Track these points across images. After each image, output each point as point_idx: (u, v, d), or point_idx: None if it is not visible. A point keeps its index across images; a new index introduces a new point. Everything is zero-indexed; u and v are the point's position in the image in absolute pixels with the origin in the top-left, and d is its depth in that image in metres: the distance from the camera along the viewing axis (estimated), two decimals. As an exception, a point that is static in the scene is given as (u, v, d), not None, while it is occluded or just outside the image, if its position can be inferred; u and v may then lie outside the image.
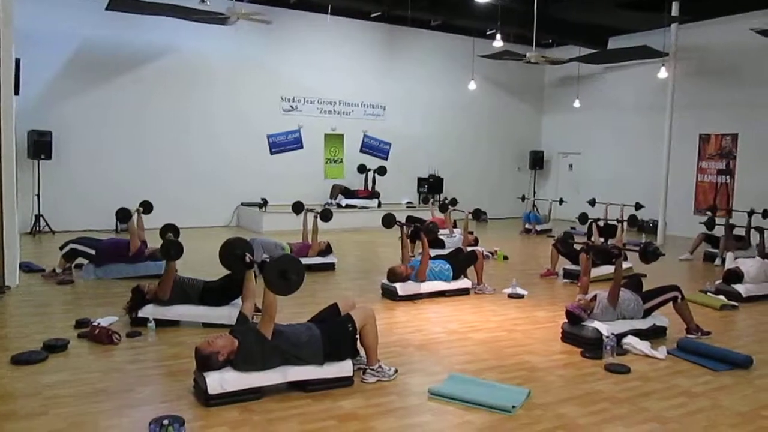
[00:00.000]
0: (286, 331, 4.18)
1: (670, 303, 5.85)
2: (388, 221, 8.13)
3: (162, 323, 5.60)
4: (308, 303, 6.22)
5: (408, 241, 7.59)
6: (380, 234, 10.48)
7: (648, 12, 12.16)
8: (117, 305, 6.09)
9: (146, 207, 8.39)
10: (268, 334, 4.03)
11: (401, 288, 7.02)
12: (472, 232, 10.60)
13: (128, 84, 12.35)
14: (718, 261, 10.04)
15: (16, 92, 7.33)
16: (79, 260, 7.78)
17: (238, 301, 5.76)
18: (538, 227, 13.78)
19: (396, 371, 4.54)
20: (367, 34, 14.91)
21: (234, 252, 5.03)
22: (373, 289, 7.51)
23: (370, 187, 14.59)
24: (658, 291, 5.90)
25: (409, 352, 5.19)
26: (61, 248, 7.73)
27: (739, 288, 7.42)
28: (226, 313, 5.69)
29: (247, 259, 4.90)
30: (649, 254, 5.51)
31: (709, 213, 10.97)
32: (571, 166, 17.25)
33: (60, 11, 11.48)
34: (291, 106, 14.20)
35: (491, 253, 10.18)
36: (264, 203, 13.02)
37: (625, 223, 9.39)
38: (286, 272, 3.95)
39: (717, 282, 7.75)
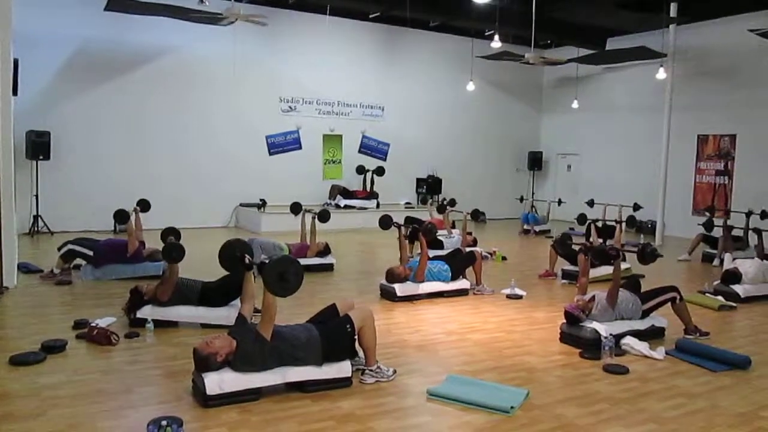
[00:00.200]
0: (285, 332, 4.18)
1: (669, 304, 5.86)
2: (385, 222, 8.13)
3: (160, 324, 5.59)
4: (307, 304, 6.22)
5: (406, 242, 7.60)
6: (379, 235, 10.47)
7: (646, 13, 12.19)
8: (115, 306, 6.09)
9: (143, 205, 8.38)
10: (267, 335, 4.03)
11: (400, 289, 7.02)
12: (470, 233, 10.60)
13: (127, 85, 12.34)
14: (716, 262, 10.05)
15: (15, 93, 7.33)
16: (78, 261, 7.78)
17: (237, 302, 5.75)
18: (537, 228, 13.79)
19: (395, 372, 4.54)
20: (365, 35, 14.91)
21: (233, 253, 5.02)
22: (371, 289, 7.51)
23: (368, 188, 14.58)
24: (657, 292, 5.91)
25: (407, 353, 5.18)
26: (60, 249, 7.72)
27: (738, 289, 7.43)
28: (225, 314, 5.69)
29: (247, 261, 4.90)
30: (647, 255, 5.52)
31: (707, 214, 10.98)
32: (569, 166, 17.27)
33: (58, 12, 11.47)
34: (289, 107, 14.19)
35: (490, 254, 10.18)
36: (262, 204, 13.01)
37: (623, 224, 9.39)
38: (284, 274, 3.95)
39: (715, 283, 7.76)
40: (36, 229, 11.22)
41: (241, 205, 13.53)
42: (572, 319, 5.46)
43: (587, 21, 13.49)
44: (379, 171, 14.65)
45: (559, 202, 14.49)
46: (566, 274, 8.46)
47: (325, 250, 8.75)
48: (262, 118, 13.76)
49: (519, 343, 5.57)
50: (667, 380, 4.69)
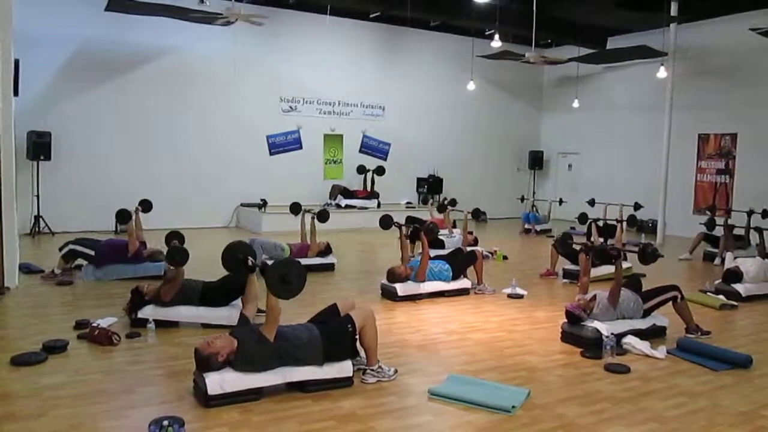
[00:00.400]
0: (287, 332, 4.18)
1: (670, 303, 5.86)
2: (386, 222, 8.13)
3: (161, 324, 5.59)
4: (308, 303, 6.21)
5: (407, 241, 7.60)
6: (380, 234, 10.47)
7: (647, 12, 12.18)
8: (116, 306, 6.10)
9: (145, 206, 8.38)
10: (270, 336, 4.03)
11: (401, 288, 7.02)
12: (471, 232, 10.59)
13: (127, 85, 12.35)
14: (717, 260, 10.05)
15: (15, 93, 7.33)
16: (79, 261, 7.78)
17: (238, 302, 5.77)
18: (538, 227, 13.79)
19: (396, 372, 4.54)
20: (366, 35, 14.91)
21: (236, 255, 5.03)
22: (372, 289, 7.51)
23: (369, 188, 14.58)
24: (658, 291, 5.90)
25: (408, 353, 5.18)
26: (61, 249, 7.73)
27: (739, 287, 7.42)
28: (226, 314, 5.69)
29: (249, 263, 4.90)
30: (648, 255, 5.51)
31: (708, 213, 10.98)
32: (570, 166, 17.26)
33: (59, 12, 11.48)
34: (290, 107, 14.20)
35: (491, 253, 10.18)
36: (263, 204, 13.01)
37: (624, 223, 9.39)
38: (287, 276, 3.95)
39: (716, 281, 7.75)
40: (37, 229, 11.23)
41: (241, 205, 13.53)
42: (573, 318, 5.46)
43: (587, 20, 13.48)
44: (380, 171, 14.65)
45: (560, 201, 14.49)
46: (567, 274, 8.46)
47: (326, 250, 8.75)
48: (262, 118, 13.76)
49: (520, 343, 5.56)
50: (669, 379, 4.69)
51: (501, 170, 17.28)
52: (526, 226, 13.87)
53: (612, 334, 5.22)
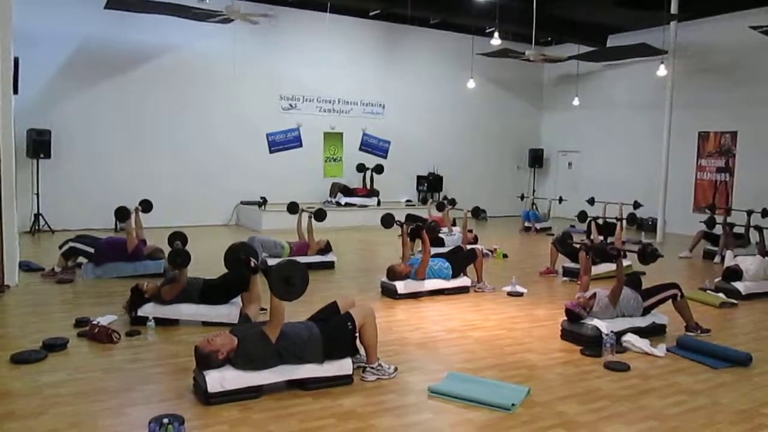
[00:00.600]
0: (287, 330, 4.17)
1: (670, 301, 5.86)
2: (388, 221, 8.13)
3: (161, 322, 5.60)
4: (308, 302, 6.18)
5: (408, 239, 7.61)
6: (379, 232, 10.46)
7: (647, 10, 12.16)
8: (116, 304, 6.10)
9: (146, 206, 8.38)
10: (273, 337, 4.03)
11: (401, 286, 7.02)
12: (471, 230, 10.59)
13: (127, 83, 12.34)
14: (717, 259, 10.06)
15: (15, 91, 7.32)
16: (80, 259, 7.78)
17: (238, 300, 5.78)
18: (538, 225, 13.78)
19: (396, 369, 4.54)
20: (366, 33, 14.90)
21: (238, 257, 5.03)
22: (372, 287, 7.51)
23: (368, 186, 14.57)
24: (658, 289, 5.91)
25: (408, 351, 5.19)
26: (61, 247, 7.73)
27: (739, 285, 7.43)
28: (226, 312, 5.69)
29: (252, 264, 4.90)
30: (648, 256, 5.52)
31: (708, 211, 10.98)
32: (570, 164, 17.26)
33: (59, 10, 11.46)
34: (290, 105, 14.19)
35: (491, 252, 10.18)
36: (263, 202, 13.01)
37: (624, 222, 9.39)
38: (290, 278, 3.94)
39: (716, 279, 7.76)
40: (37, 227, 11.23)
41: (241, 203, 13.53)
42: (573, 316, 5.46)
43: (588, 18, 13.47)
44: (378, 169, 14.65)
45: (560, 200, 14.49)
46: (567, 272, 8.46)
47: (326, 248, 8.75)
48: (262, 116, 13.76)
49: (520, 341, 5.57)
50: (668, 377, 4.69)
51: (501, 168, 17.28)
52: (526, 224, 13.87)
53: (612, 332, 5.22)
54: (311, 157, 14.43)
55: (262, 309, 5.69)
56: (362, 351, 4.52)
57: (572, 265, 8.36)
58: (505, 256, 10.19)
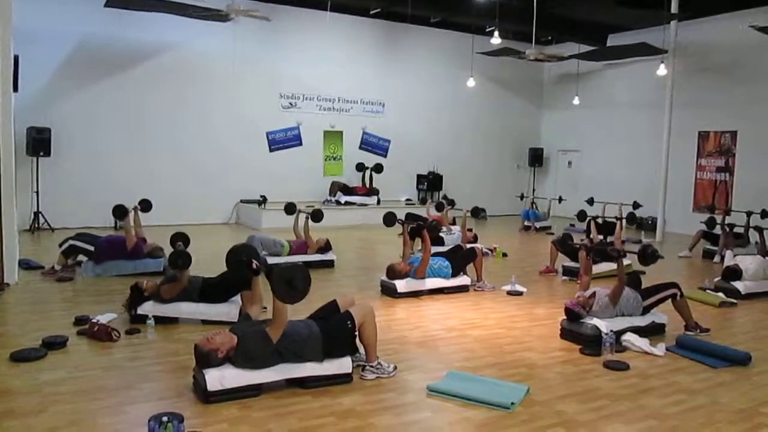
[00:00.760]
0: (288, 330, 4.16)
1: (669, 300, 5.86)
2: (389, 220, 8.14)
3: (161, 320, 5.60)
4: (307, 300, 6.17)
5: (408, 238, 7.61)
6: (379, 231, 10.46)
7: (647, 9, 12.16)
8: (116, 302, 6.10)
9: (145, 205, 8.37)
10: (275, 338, 4.03)
11: (400, 285, 7.02)
12: (471, 229, 10.59)
13: (127, 81, 12.34)
14: (717, 258, 10.05)
15: (15, 89, 7.32)
16: (80, 257, 7.78)
17: (237, 298, 5.78)
18: (537, 224, 13.78)
19: (395, 368, 4.55)
20: (366, 31, 14.89)
21: (240, 258, 5.04)
22: (372, 286, 7.52)
23: (368, 185, 14.57)
24: (657, 288, 5.91)
25: (408, 349, 5.19)
26: (61, 245, 7.73)
27: (738, 285, 7.43)
28: (225, 311, 5.70)
29: (254, 266, 4.91)
30: (648, 257, 5.52)
31: (707, 210, 10.99)
32: (570, 163, 17.26)
33: (59, 8, 11.46)
34: (290, 103, 14.18)
35: (490, 250, 10.18)
36: (263, 200, 13.01)
37: (623, 221, 9.40)
38: (293, 281, 3.94)
39: (716, 279, 7.76)
40: (37, 225, 11.23)
41: (241, 201, 13.53)
42: (573, 315, 5.46)
43: (588, 17, 13.46)
44: (378, 168, 14.64)
45: (560, 199, 14.51)
46: (567, 271, 8.46)
47: (326, 247, 8.75)
48: (262, 115, 13.76)
49: (519, 340, 5.57)
50: (668, 377, 4.69)
51: (501, 167, 17.27)
52: (526, 223, 13.87)
53: (611, 331, 5.22)
54: (311, 155, 14.43)
55: (263, 307, 5.68)
56: (362, 350, 4.52)
57: (572, 264, 8.36)
58: (504, 255, 10.19)
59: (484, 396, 4.07)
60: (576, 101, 15.56)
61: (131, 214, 7.98)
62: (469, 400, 4.05)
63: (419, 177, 15.83)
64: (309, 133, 14.35)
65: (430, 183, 15.58)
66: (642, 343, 5.28)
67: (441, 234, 9.71)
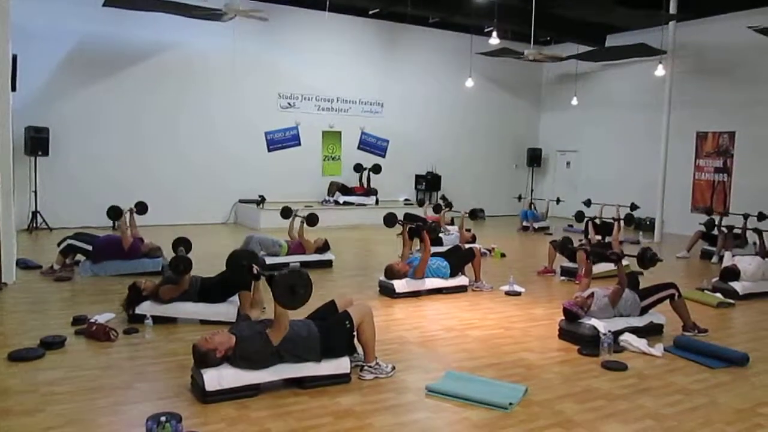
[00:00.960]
0: (289, 334, 4.15)
1: (667, 300, 5.87)
2: (390, 220, 8.14)
3: (159, 320, 5.60)
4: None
5: (408, 238, 7.63)
6: (377, 231, 10.46)
7: (646, 10, 12.16)
8: (114, 302, 6.08)
9: (141, 208, 8.36)
10: (275, 341, 4.02)
11: (399, 285, 7.02)
12: (469, 230, 10.61)
13: (125, 80, 12.33)
14: (715, 258, 10.07)
15: (13, 88, 7.31)
16: (78, 257, 7.77)
17: (235, 298, 5.77)
18: (536, 224, 13.79)
19: (393, 368, 4.55)
20: (365, 31, 14.89)
21: (241, 263, 5.04)
22: (370, 286, 7.51)
23: (365, 185, 14.57)
24: (655, 289, 5.92)
25: (406, 350, 5.19)
26: (59, 245, 7.72)
27: (736, 285, 7.43)
28: (224, 310, 5.70)
29: (255, 271, 4.91)
30: (647, 260, 5.53)
31: (705, 213, 11.00)
32: (568, 163, 17.27)
33: (57, 7, 11.45)
34: (289, 103, 14.18)
35: (489, 251, 10.18)
36: (261, 200, 13.00)
37: (621, 222, 9.41)
38: (295, 287, 3.94)
39: (714, 279, 7.77)
40: (35, 225, 11.22)
41: (240, 201, 13.52)
42: (571, 315, 5.47)
43: (587, 18, 13.46)
44: (376, 169, 14.64)
45: (558, 201, 14.52)
46: (565, 271, 8.47)
47: (324, 247, 8.75)
48: (261, 115, 13.75)
49: (518, 340, 5.57)
50: (666, 377, 4.70)
51: (499, 167, 17.28)
52: (524, 223, 13.88)
53: (609, 331, 5.23)
54: (310, 155, 14.43)
55: (263, 308, 5.68)
56: (360, 350, 4.52)
57: (570, 264, 8.37)
58: (503, 255, 10.19)
59: (483, 396, 4.07)
60: (574, 102, 15.57)
61: (125, 216, 7.96)
62: (467, 401, 4.06)
63: (418, 177, 15.84)
64: (307, 133, 14.35)
65: (428, 183, 15.58)
66: (640, 343, 5.29)
67: (440, 234, 9.72)
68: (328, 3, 12.95)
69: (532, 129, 17.95)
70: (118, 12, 11.05)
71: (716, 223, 10.25)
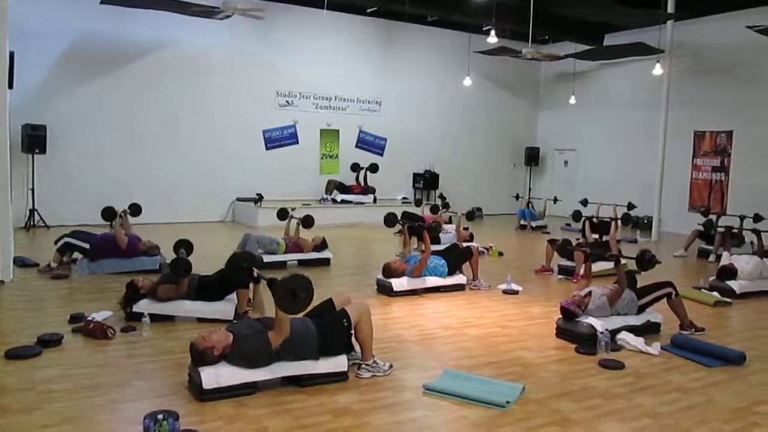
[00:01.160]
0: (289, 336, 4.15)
1: (664, 299, 5.88)
2: (390, 220, 8.14)
3: (156, 318, 5.59)
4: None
5: (408, 238, 7.64)
6: (375, 230, 10.46)
7: (644, 8, 12.17)
8: (111, 300, 6.07)
9: (134, 210, 8.35)
10: (275, 343, 4.02)
11: (396, 283, 7.02)
12: (467, 228, 10.61)
13: (123, 78, 12.31)
14: (712, 257, 10.09)
15: (10, 86, 7.30)
16: (76, 255, 7.75)
17: (233, 296, 5.77)
18: (534, 223, 13.81)
19: (391, 366, 4.55)
20: (363, 30, 14.88)
21: (240, 266, 5.04)
22: (368, 284, 7.52)
23: (362, 184, 14.56)
24: (653, 287, 5.93)
25: (404, 348, 5.19)
26: (56, 242, 7.70)
27: (733, 284, 7.45)
28: (221, 309, 5.69)
29: (255, 274, 4.91)
30: (646, 262, 5.54)
31: (702, 209, 11.02)
32: (566, 162, 17.29)
33: (54, 4, 11.43)
34: (286, 102, 14.17)
35: (486, 249, 10.19)
36: (259, 198, 13.00)
37: (618, 221, 9.42)
38: (296, 291, 3.93)
39: (711, 278, 7.78)
40: (32, 223, 11.20)
41: (237, 199, 13.51)
42: (568, 314, 5.47)
43: (585, 16, 13.47)
44: (373, 168, 14.64)
45: (555, 200, 14.55)
46: (562, 270, 8.48)
47: (322, 245, 8.75)
48: (258, 113, 13.75)
49: (515, 338, 5.58)
50: (663, 375, 4.70)
51: (497, 166, 17.28)
52: (522, 222, 13.89)
53: (606, 330, 5.24)
54: (307, 153, 14.42)
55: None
56: (357, 348, 4.52)
57: (568, 263, 8.38)
58: (500, 253, 10.20)
59: (480, 394, 4.07)
60: (572, 100, 15.58)
61: (117, 219, 7.92)
62: (464, 399, 4.06)
63: (415, 175, 15.84)
64: (305, 132, 14.34)
65: (426, 182, 15.58)
66: (637, 342, 5.30)
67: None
68: (326, 1, 12.96)
69: (530, 128, 17.96)
70: (116, 9, 11.03)
71: (713, 222, 10.26)
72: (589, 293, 5.63)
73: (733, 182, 13.15)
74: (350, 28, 14.64)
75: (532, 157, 17.29)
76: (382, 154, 15.32)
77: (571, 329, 5.47)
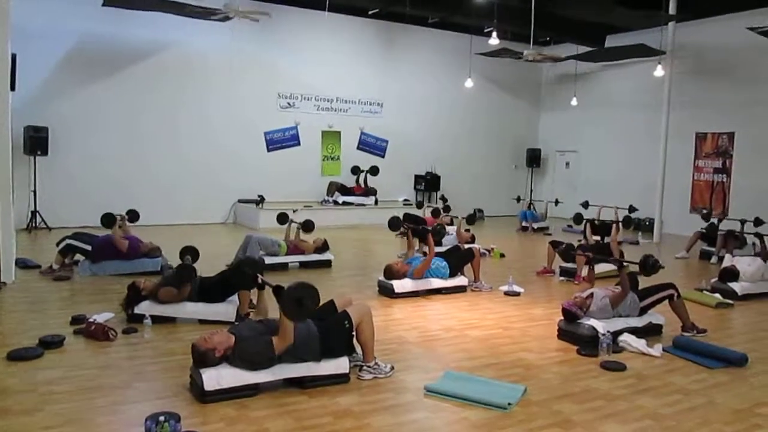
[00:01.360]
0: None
1: (666, 301, 5.87)
2: (395, 224, 8.15)
3: (158, 320, 5.60)
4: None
5: (412, 241, 7.66)
6: (376, 231, 10.45)
7: (645, 10, 12.17)
8: (113, 301, 6.08)
9: (132, 215, 8.36)
10: (278, 349, 4.02)
11: (398, 285, 7.02)
12: (468, 230, 10.61)
13: (124, 80, 12.32)
14: (714, 259, 10.08)
15: (12, 88, 7.30)
16: (78, 256, 7.76)
17: (234, 298, 5.78)
18: (535, 225, 13.80)
19: (392, 368, 4.55)
20: (364, 31, 14.89)
21: (245, 271, 5.05)
22: (369, 286, 7.52)
23: (363, 186, 14.56)
24: (655, 289, 5.92)
25: (405, 350, 5.19)
26: (58, 244, 7.71)
27: (735, 286, 7.44)
28: (222, 310, 5.70)
29: (260, 281, 4.92)
30: (649, 268, 5.54)
31: (704, 212, 11.00)
32: (567, 164, 17.27)
33: (56, 7, 11.45)
34: (288, 103, 14.18)
35: (488, 251, 10.19)
36: (261, 200, 13.00)
37: (620, 224, 9.42)
38: (302, 299, 3.93)
39: (713, 280, 7.77)
40: (34, 224, 11.21)
41: (239, 201, 13.52)
42: (570, 316, 5.47)
43: (586, 18, 13.47)
44: (374, 171, 14.63)
45: (556, 202, 14.54)
46: (564, 272, 8.48)
47: (323, 247, 8.76)
48: (260, 114, 13.75)
49: (517, 340, 5.57)
50: (664, 377, 4.70)
51: (498, 168, 17.27)
52: (524, 223, 13.88)
53: (608, 331, 5.23)
54: (309, 155, 14.43)
55: (251, 307, 5.70)
56: (359, 350, 4.52)
57: (569, 265, 8.38)
58: (502, 255, 10.20)
59: (482, 396, 4.07)
60: (574, 102, 15.56)
61: (115, 227, 7.91)
62: (466, 401, 4.06)
63: (417, 177, 15.83)
64: (307, 133, 14.34)
65: (427, 183, 15.57)
66: (639, 343, 5.29)
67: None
68: (327, 3, 12.97)
69: (532, 129, 17.95)
70: (117, 11, 11.05)
71: (716, 226, 10.25)
72: (591, 295, 5.62)
73: (734, 184, 13.13)
74: (351, 30, 14.65)
75: (534, 158, 17.28)
76: (383, 156, 15.32)
77: (572, 331, 5.46)
